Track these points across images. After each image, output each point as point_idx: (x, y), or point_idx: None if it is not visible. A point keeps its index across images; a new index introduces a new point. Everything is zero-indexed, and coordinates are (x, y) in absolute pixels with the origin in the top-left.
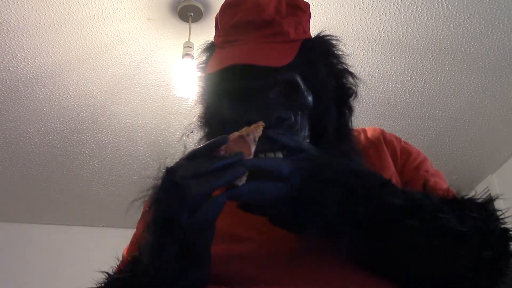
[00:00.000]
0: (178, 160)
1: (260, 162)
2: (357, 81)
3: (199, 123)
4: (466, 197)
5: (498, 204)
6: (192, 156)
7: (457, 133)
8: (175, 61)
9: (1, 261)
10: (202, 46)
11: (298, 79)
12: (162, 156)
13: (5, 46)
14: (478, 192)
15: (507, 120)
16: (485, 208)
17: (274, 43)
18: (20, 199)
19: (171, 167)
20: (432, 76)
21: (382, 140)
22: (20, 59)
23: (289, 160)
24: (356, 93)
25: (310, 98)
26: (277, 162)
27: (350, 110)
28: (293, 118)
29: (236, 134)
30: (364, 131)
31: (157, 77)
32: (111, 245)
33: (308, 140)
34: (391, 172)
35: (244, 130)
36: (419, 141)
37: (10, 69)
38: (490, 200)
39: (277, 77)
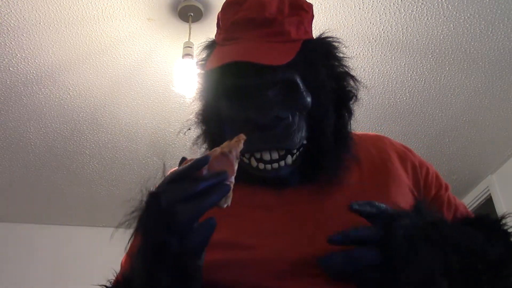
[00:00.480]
0: (160, 183)
1: (353, 233)
2: (357, 84)
3: (196, 120)
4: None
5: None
6: (175, 179)
7: (457, 133)
8: (175, 61)
9: (1, 261)
10: (203, 43)
11: (298, 79)
12: (162, 156)
13: (5, 46)
14: (479, 192)
15: (507, 120)
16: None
17: (275, 42)
18: (20, 199)
19: (155, 192)
20: (432, 76)
21: (393, 151)
22: (20, 59)
23: (379, 228)
24: (356, 96)
25: (309, 99)
26: (369, 231)
27: (350, 113)
28: (290, 118)
29: (218, 150)
30: (368, 136)
31: (157, 77)
32: (111, 245)
33: (305, 141)
34: (402, 184)
35: (225, 146)
36: (419, 141)
37: (10, 69)
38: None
39: (276, 76)
